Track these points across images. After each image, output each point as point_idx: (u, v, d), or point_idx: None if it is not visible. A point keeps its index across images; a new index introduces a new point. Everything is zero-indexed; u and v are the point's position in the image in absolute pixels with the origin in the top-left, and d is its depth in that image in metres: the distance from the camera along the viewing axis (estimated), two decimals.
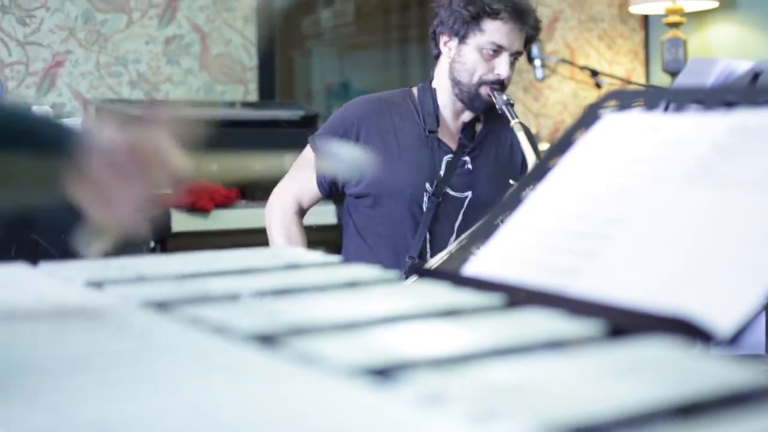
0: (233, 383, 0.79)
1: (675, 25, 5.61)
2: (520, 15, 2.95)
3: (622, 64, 6.19)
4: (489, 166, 3.05)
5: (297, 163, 3.07)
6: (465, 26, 2.96)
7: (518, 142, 2.91)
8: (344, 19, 5.55)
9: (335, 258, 1.46)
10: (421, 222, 2.91)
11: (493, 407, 0.70)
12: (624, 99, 1.38)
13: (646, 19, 6.29)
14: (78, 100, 4.55)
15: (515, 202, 1.32)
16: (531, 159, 2.90)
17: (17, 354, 0.90)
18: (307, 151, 3.08)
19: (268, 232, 3.04)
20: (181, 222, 3.99)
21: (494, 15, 2.93)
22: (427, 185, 2.96)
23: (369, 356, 0.84)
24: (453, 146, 3.05)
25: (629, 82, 5.78)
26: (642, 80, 6.21)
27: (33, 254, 1.83)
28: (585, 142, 1.34)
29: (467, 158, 3.05)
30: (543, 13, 5.94)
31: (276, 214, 3.04)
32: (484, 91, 2.97)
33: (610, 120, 1.35)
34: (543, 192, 1.31)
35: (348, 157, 1.37)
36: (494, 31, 2.93)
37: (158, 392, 0.78)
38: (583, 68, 5.39)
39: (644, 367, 0.82)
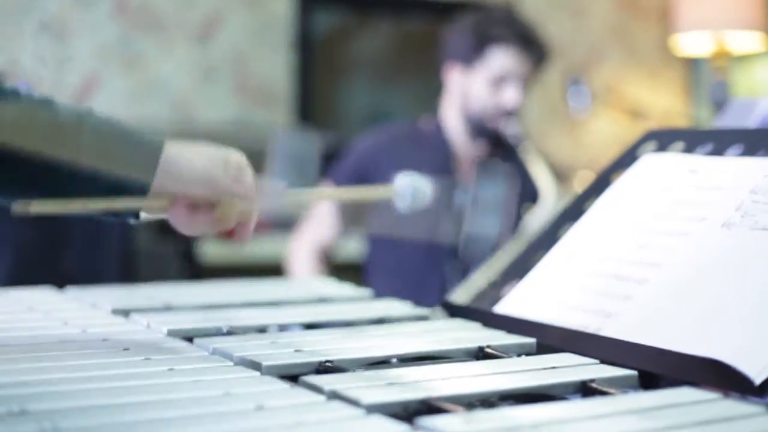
0: (253, 416, 0.78)
1: (721, 66, 5.54)
2: (526, 39, 2.90)
3: (666, 100, 6.15)
4: (509, 205, 3.00)
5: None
6: (471, 55, 2.91)
7: (533, 174, 2.92)
8: (383, 45, 5.56)
9: (366, 292, 1.45)
10: (441, 261, 2.89)
11: None
12: (662, 140, 1.37)
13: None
14: None
15: (549, 241, 1.30)
16: (548, 188, 2.91)
17: (39, 378, 0.89)
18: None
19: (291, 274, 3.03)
20: (214, 251, 3.96)
21: (500, 41, 2.89)
22: (444, 223, 2.93)
23: (391, 396, 0.83)
24: (468, 180, 2.99)
25: (673, 119, 5.73)
26: (687, 115, 6.16)
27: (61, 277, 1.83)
28: (622, 183, 1.32)
29: (483, 192, 3.01)
30: (583, 50, 5.92)
31: (299, 258, 3.02)
32: (494, 121, 2.92)
33: (648, 161, 1.33)
34: (578, 232, 1.29)
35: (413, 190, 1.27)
36: (501, 57, 2.87)
37: (179, 423, 0.77)
38: (624, 106, 5.35)
39: (672, 413, 0.81)
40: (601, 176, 1.36)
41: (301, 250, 3.04)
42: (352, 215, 3.02)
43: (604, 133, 5.93)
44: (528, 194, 2.96)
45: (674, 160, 1.30)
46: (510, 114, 2.92)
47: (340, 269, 3.20)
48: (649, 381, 0.98)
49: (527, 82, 2.93)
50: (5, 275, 2.94)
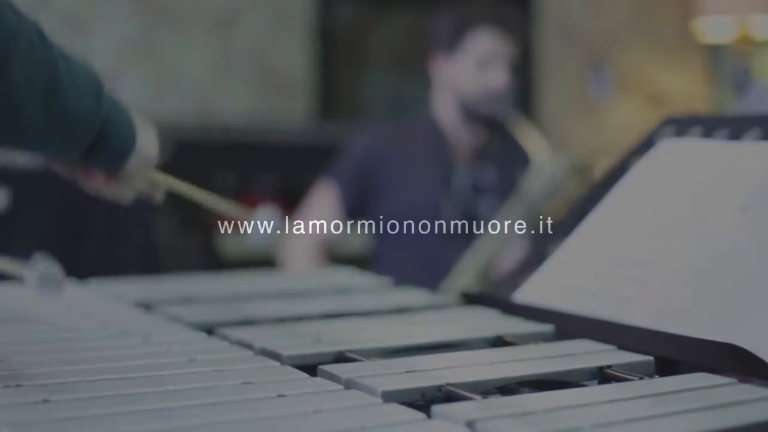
0: (272, 405, 0.79)
1: (744, 51, 5.50)
2: (504, 23, 2.97)
3: (688, 85, 6.12)
4: (508, 184, 3.03)
5: (311, 203, 3.02)
6: (454, 43, 2.96)
7: (523, 143, 2.96)
8: (403, 35, 5.55)
9: (386, 281, 1.45)
10: (447, 245, 2.89)
11: None
12: (680, 125, 1.36)
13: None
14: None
15: (567, 228, 1.31)
16: (539, 152, 2.96)
17: (61, 370, 0.90)
18: (322, 188, 3.02)
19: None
20: (235, 246, 3.96)
21: (477, 23, 2.95)
22: (447, 208, 2.93)
23: (408, 384, 0.84)
24: (468, 166, 3.02)
25: (694, 105, 5.70)
26: (709, 101, 6.12)
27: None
28: (640, 168, 1.32)
29: (484, 178, 3.03)
30: (603, 36, 5.90)
31: (296, 254, 2.96)
32: (485, 105, 2.95)
33: (666, 146, 1.33)
34: (595, 219, 1.29)
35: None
36: (481, 39, 2.93)
37: (200, 411, 0.78)
38: (646, 92, 5.32)
39: (688, 397, 0.81)
40: (618, 162, 1.36)
41: (299, 246, 2.97)
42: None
43: (626, 119, 5.91)
44: (522, 164, 3.01)
45: (692, 145, 1.30)
46: (499, 96, 2.96)
47: (344, 262, 3.14)
48: (666, 367, 0.98)
49: (512, 63, 2.98)
50: None
